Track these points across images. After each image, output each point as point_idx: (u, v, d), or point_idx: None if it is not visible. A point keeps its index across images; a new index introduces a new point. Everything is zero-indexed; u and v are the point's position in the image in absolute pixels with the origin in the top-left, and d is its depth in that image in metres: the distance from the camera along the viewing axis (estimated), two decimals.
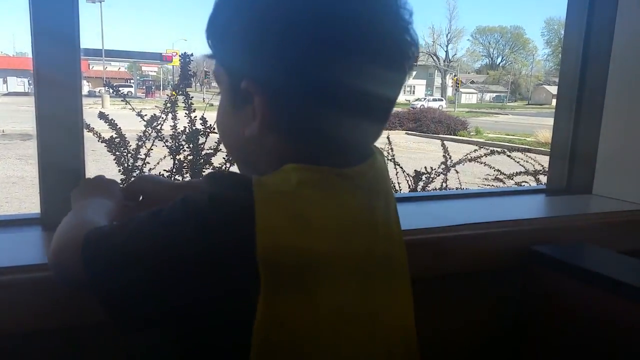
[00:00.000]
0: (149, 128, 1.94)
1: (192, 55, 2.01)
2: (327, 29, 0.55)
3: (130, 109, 2.04)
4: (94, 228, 0.62)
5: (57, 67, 0.91)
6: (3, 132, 12.95)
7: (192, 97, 2.02)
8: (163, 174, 1.81)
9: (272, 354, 0.55)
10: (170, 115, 1.97)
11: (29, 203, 5.81)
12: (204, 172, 1.96)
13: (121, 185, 0.85)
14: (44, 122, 0.92)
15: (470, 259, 1.09)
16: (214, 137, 1.96)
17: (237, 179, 0.60)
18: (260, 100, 0.58)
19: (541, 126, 15.71)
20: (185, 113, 1.95)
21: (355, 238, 0.61)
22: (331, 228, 0.59)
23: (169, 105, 1.96)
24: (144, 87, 42.14)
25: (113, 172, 1.65)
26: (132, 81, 47.47)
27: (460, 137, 14.58)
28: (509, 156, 2.77)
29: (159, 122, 1.96)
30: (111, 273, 0.58)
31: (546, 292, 1.10)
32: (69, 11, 0.90)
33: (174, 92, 2.04)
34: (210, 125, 1.97)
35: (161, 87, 41.33)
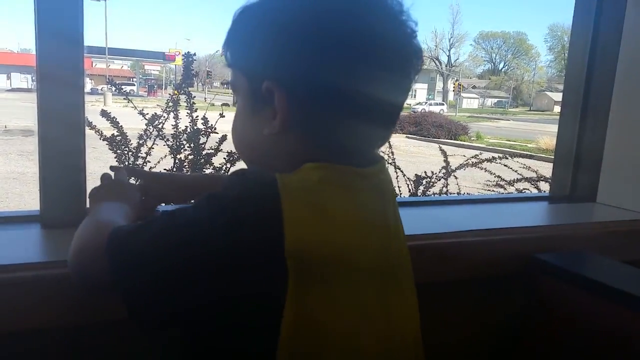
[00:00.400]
0: (151, 127, 1.94)
1: (194, 54, 2.02)
2: (345, 38, 0.59)
3: (132, 107, 2.04)
4: (118, 227, 0.62)
5: (60, 65, 0.90)
6: (6, 127, 12.97)
7: (194, 96, 2.02)
8: None
9: (299, 349, 0.56)
10: (172, 114, 1.96)
11: (29, 199, 5.82)
12: (204, 172, 1.95)
13: (135, 184, 0.86)
14: (45, 119, 0.91)
15: (473, 266, 1.09)
16: (214, 137, 1.96)
17: (261, 176, 0.61)
18: (281, 98, 0.61)
19: (542, 132, 15.72)
20: (187, 112, 1.95)
21: (372, 235, 0.64)
22: (352, 224, 0.61)
23: (170, 104, 1.95)
24: (147, 86, 42.18)
25: None
26: (134, 79, 47.47)
27: (461, 142, 14.57)
28: (505, 165, 2.75)
29: (160, 121, 1.96)
30: (136, 270, 0.58)
31: (548, 300, 1.09)
32: (73, 9, 0.89)
33: (176, 92, 2.03)
34: (212, 125, 1.97)
35: (163, 86, 41.36)
